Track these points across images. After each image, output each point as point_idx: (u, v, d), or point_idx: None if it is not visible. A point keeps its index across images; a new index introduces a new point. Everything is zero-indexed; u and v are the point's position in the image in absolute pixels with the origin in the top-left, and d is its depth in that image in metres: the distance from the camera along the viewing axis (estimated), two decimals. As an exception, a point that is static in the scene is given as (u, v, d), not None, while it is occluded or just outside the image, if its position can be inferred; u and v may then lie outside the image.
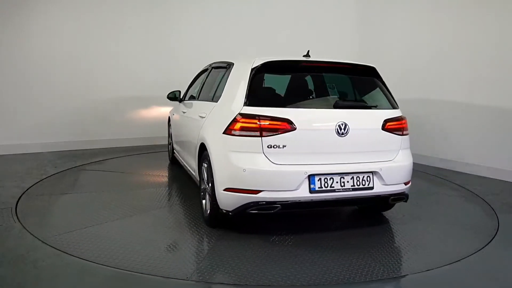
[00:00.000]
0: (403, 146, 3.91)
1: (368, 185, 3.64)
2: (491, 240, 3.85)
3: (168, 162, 6.80)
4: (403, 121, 3.95)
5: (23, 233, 3.68)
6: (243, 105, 3.57)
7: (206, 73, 5.23)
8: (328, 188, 3.53)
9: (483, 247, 3.68)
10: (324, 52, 6.68)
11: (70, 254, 3.27)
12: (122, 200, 4.71)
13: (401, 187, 3.85)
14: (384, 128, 3.80)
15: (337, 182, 3.56)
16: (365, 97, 4.26)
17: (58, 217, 4.28)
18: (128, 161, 6.97)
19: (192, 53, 8.16)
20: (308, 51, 4.32)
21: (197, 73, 5.83)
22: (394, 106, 4.02)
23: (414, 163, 6.40)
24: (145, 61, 8.11)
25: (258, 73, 3.74)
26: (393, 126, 3.85)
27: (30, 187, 5.07)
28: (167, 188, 5.47)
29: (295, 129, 3.49)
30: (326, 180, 3.53)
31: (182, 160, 5.44)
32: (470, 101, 6.51)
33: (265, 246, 3.54)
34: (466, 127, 6.61)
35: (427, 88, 7.15)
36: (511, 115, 6.02)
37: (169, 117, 6.73)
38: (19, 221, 3.94)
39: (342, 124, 3.59)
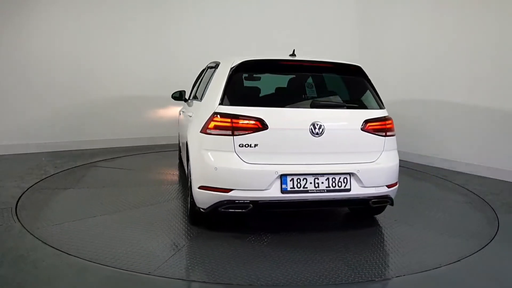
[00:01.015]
0: (387, 147, 3.79)
1: (344, 186, 3.55)
2: (491, 240, 3.84)
3: (178, 161, 6.81)
4: (386, 122, 3.81)
5: (23, 233, 3.68)
6: (218, 104, 3.59)
7: (203, 73, 5.27)
8: (301, 188, 3.49)
9: (483, 247, 3.68)
10: (325, 52, 6.69)
11: (50, 246, 3.40)
12: (119, 196, 4.80)
13: (383, 190, 3.72)
14: (364, 128, 3.69)
15: (310, 183, 3.50)
16: (348, 97, 4.18)
17: (51, 210, 4.42)
18: (134, 160, 7.00)
19: (193, 53, 8.15)
20: (294, 50, 4.27)
21: (199, 73, 5.86)
22: (380, 106, 3.90)
23: (414, 163, 6.33)
24: (146, 61, 8.10)
25: (236, 73, 3.76)
26: (375, 127, 3.73)
27: (30, 187, 5.07)
28: (169, 186, 5.46)
29: (267, 128, 3.47)
30: (299, 180, 3.49)
31: (182, 159, 5.49)
32: (470, 102, 6.50)
33: (239, 245, 3.55)
34: (466, 127, 6.61)
35: (427, 89, 7.14)
36: (511, 115, 6.03)
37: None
38: (19, 221, 3.94)
39: (316, 124, 3.54)
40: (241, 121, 3.48)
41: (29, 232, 3.68)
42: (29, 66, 7.08)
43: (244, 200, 3.45)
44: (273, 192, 3.44)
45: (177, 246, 3.51)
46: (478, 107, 6.40)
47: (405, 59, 7.50)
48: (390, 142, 3.83)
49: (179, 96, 5.72)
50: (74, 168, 6.16)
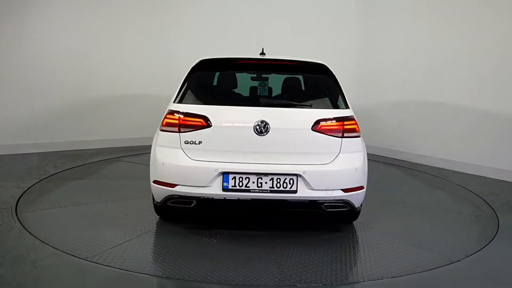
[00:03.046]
0: (345, 149, 3.57)
1: (290, 188, 3.47)
2: (491, 240, 3.85)
3: None
4: (345, 122, 3.60)
5: (23, 233, 3.69)
6: (173, 102, 3.72)
7: None
8: (243, 187, 3.48)
9: (483, 247, 3.68)
10: (325, 55, 6.67)
11: (26, 229, 3.72)
12: (116, 188, 5.00)
13: (337, 194, 3.53)
14: (315, 129, 3.55)
15: (253, 182, 3.48)
16: (307, 96, 4.12)
17: (47, 197, 4.69)
18: (139, 159, 6.99)
19: (193, 53, 8.11)
20: (263, 49, 4.27)
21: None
22: (345, 105, 3.74)
23: (414, 163, 6.23)
24: (147, 60, 8.07)
25: (195, 71, 3.89)
26: (328, 127, 3.57)
27: (30, 187, 5.07)
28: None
29: (210, 126, 3.52)
30: (241, 179, 3.48)
31: None
32: (471, 102, 6.50)
33: (188, 240, 3.67)
34: (466, 128, 6.60)
35: (427, 89, 7.12)
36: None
37: None
38: (19, 221, 3.94)
39: (261, 123, 3.50)
40: (186, 119, 3.57)
41: (29, 232, 3.69)
42: (29, 66, 7.06)
43: (187, 196, 3.53)
44: (214, 190, 3.48)
45: (127, 238, 3.64)
46: (479, 107, 6.39)
47: (406, 59, 7.47)
48: (350, 144, 3.61)
49: None
50: (74, 168, 6.14)
